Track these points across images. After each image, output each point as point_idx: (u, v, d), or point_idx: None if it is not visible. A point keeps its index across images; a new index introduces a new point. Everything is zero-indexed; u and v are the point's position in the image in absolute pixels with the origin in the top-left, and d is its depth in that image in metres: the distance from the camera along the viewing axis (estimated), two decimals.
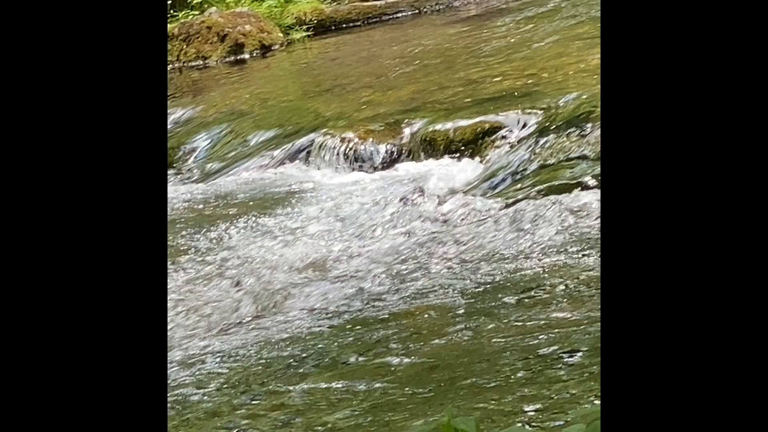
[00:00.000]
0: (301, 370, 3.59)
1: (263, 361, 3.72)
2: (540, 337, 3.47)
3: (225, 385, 3.57)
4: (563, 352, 3.33)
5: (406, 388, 3.32)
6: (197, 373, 3.70)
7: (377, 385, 3.37)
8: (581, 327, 3.49)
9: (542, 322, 3.60)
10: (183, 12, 10.64)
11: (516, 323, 3.64)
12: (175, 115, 7.72)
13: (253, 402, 3.42)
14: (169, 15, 10.64)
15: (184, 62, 10.18)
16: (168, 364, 3.78)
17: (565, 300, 3.79)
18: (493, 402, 3.10)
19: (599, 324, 3.41)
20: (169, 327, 4.12)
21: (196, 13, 10.58)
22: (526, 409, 3.01)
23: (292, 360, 3.68)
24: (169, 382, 3.66)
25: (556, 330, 3.51)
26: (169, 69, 10.14)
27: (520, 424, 2.79)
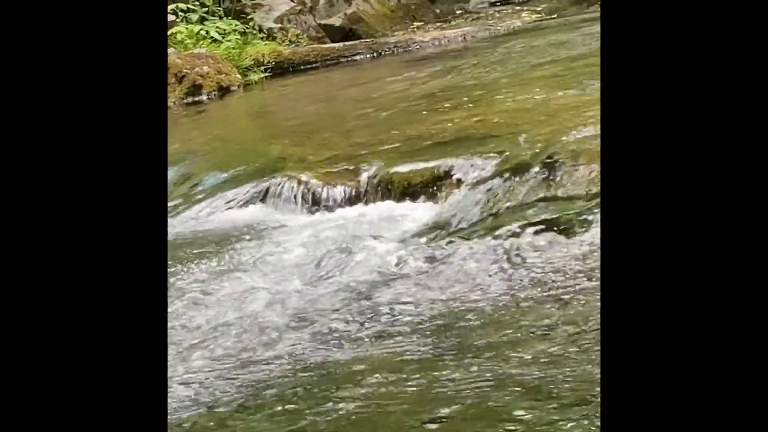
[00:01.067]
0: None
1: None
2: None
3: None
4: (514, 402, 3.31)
5: None
6: None
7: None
8: (516, 377, 3.48)
9: (485, 371, 3.58)
10: None
11: (451, 374, 3.61)
12: None
13: None
14: None
15: None
16: None
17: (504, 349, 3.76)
18: None
19: (533, 371, 3.41)
20: None
21: None
22: None
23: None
24: None
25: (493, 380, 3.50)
26: None
27: None
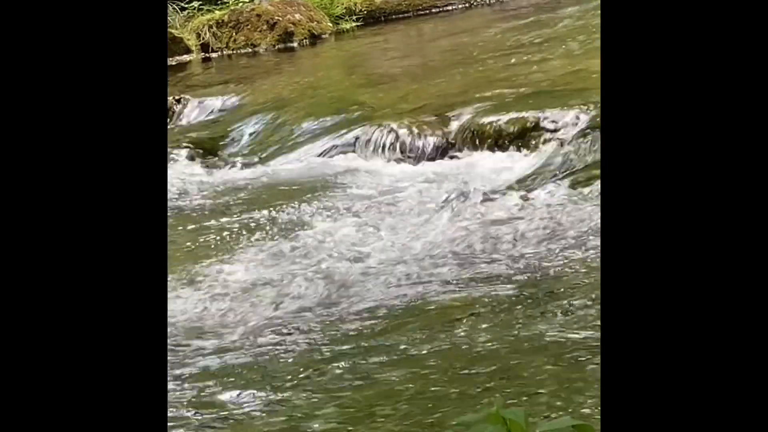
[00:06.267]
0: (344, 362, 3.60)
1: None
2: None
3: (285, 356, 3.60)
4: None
5: (450, 383, 3.31)
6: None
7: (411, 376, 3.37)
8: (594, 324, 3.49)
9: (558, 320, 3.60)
10: None
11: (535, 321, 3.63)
12: (222, 102, 7.74)
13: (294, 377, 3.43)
14: (219, 2, 10.67)
15: (233, 49, 10.21)
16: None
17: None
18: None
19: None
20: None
21: (247, 0, 10.60)
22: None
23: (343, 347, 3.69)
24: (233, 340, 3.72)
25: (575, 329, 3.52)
26: (218, 56, 10.17)
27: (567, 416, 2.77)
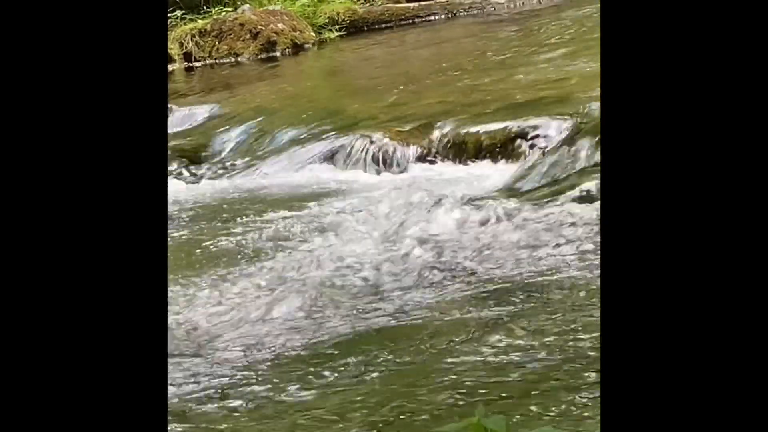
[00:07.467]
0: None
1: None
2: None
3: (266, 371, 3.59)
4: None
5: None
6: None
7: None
8: (577, 337, 3.48)
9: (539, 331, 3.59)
10: (216, 8, 10.68)
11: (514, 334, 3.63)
12: (205, 110, 7.74)
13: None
14: (202, 11, 10.67)
15: (216, 58, 10.21)
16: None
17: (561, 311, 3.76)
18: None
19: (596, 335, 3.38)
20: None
21: (229, 9, 10.61)
22: None
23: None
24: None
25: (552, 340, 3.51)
26: (200, 65, 10.17)
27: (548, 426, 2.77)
